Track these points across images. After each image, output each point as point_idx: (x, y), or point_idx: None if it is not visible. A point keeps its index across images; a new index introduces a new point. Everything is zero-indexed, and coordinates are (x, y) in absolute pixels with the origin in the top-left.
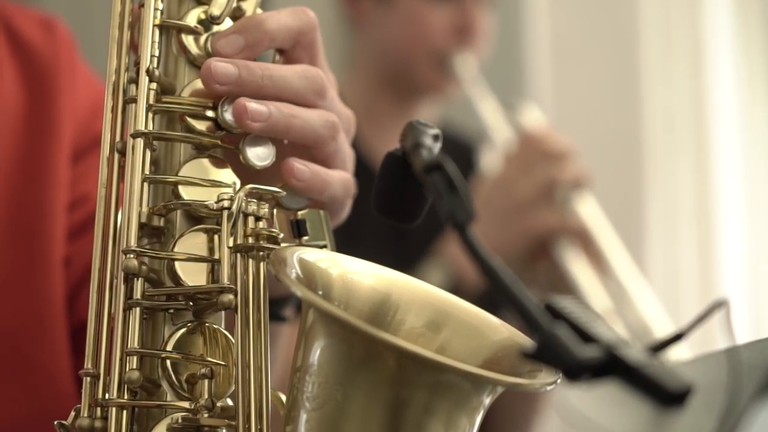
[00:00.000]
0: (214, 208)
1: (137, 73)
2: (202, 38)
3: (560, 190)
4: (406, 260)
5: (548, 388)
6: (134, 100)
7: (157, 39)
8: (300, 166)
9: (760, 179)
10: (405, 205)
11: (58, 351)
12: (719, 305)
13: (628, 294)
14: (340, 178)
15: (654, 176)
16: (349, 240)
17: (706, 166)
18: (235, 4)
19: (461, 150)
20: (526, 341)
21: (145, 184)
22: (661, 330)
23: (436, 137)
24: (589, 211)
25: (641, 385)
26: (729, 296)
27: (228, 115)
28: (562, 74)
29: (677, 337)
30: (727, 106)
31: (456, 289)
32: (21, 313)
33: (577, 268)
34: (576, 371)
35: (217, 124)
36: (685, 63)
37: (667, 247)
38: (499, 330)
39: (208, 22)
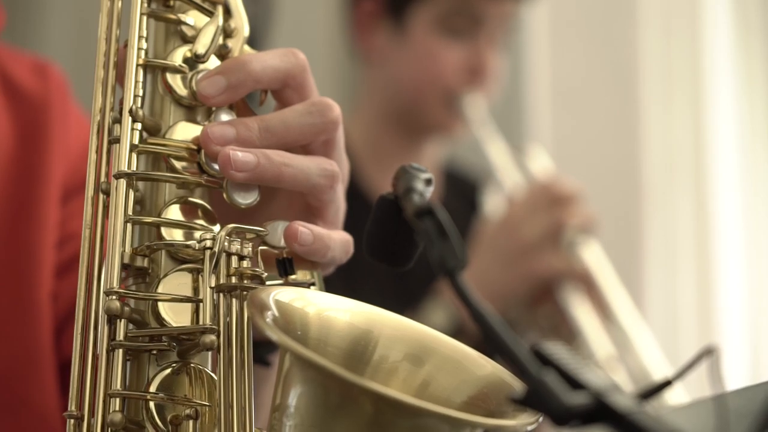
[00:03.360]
0: (197, 248)
1: (121, 113)
2: (188, 77)
3: (566, 234)
4: (407, 301)
5: (529, 428)
6: (118, 140)
7: (141, 79)
8: (303, 230)
9: (760, 222)
10: (397, 249)
11: (48, 390)
12: (708, 352)
13: (630, 340)
14: (341, 240)
15: (653, 219)
16: (349, 281)
17: (706, 209)
18: (220, 42)
19: (465, 188)
20: (509, 376)
21: (128, 225)
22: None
23: (428, 181)
24: (593, 256)
25: None
26: (727, 340)
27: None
28: (563, 117)
29: (666, 384)
30: (727, 149)
31: (459, 329)
32: (12, 353)
33: (580, 312)
34: (564, 418)
35: (200, 167)
36: (685, 106)
37: (667, 289)
38: (482, 365)
39: (193, 60)
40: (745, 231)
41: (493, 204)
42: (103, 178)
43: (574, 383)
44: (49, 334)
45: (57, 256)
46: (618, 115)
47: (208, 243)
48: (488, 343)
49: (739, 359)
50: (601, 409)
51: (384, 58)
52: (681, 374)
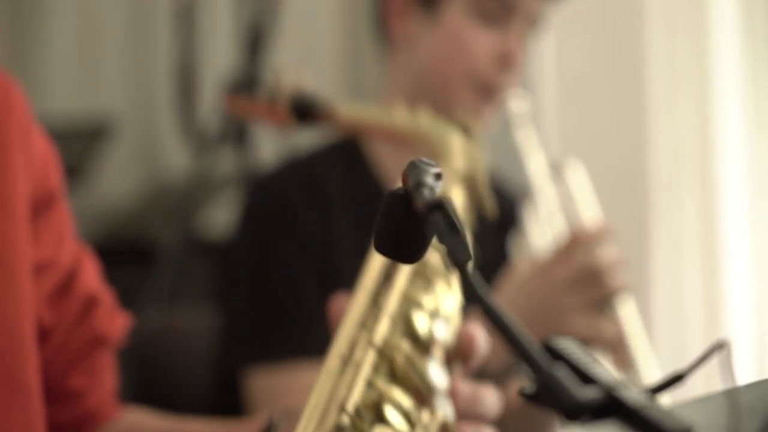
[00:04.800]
0: None
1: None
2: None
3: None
4: None
5: None
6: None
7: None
8: None
9: (766, 217)
10: (406, 244)
11: (31, 366)
12: (719, 347)
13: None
14: None
15: (660, 213)
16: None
17: (712, 203)
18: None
19: (505, 203)
20: None
21: None
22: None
23: (438, 176)
24: (627, 315)
25: (641, 426)
26: (735, 337)
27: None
28: (569, 111)
29: (677, 379)
30: (733, 142)
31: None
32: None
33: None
34: (575, 412)
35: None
36: (691, 99)
37: (673, 286)
38: None
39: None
40: (752, 225)
41: (530, 230)
42: None
43: (585, 378)
44: (30, 322)
45: (38, 283)
46: (624, 108)
47: None
48: (500, 337)
49: (745, 354)
50: (612, 403)
51: (415, 41)
52: (692, 369)
